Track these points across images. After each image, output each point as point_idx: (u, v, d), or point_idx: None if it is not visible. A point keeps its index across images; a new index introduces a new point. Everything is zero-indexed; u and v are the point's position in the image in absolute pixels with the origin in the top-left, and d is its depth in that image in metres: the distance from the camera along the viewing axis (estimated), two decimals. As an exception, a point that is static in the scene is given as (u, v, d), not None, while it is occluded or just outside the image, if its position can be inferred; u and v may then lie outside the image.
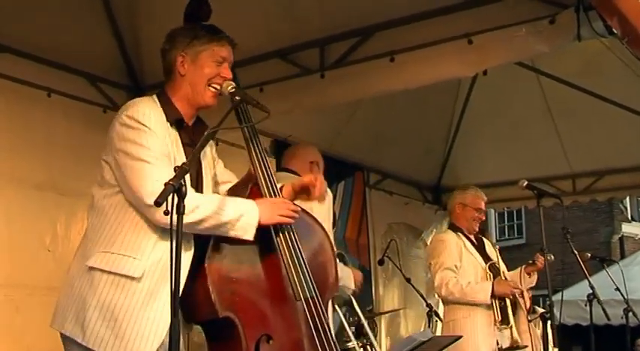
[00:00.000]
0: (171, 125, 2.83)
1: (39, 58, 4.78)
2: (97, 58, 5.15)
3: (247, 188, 2.98)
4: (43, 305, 4.44)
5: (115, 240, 2.70)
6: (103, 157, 2.82)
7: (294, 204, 2.94)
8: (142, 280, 2.66)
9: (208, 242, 2.76)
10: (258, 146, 3.02)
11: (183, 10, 3.11)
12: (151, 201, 2.50)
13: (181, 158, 2.79)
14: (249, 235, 2.75)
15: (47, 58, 4.82)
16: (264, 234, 2.85)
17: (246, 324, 2.73)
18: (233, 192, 3.08)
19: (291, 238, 2.90)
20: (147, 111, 2.78)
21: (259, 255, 2.89)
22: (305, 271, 2.88)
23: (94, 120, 4.99)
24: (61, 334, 2.76)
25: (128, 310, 2.63)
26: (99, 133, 4.51)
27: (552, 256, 4.92)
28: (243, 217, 2.73)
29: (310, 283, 2.88)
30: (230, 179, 3.21)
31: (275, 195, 2.94)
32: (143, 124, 2.72)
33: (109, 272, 2.66)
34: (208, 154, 3.04)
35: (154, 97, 2.91)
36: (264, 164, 2.98)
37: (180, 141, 2.85)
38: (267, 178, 2.95)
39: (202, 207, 2.66)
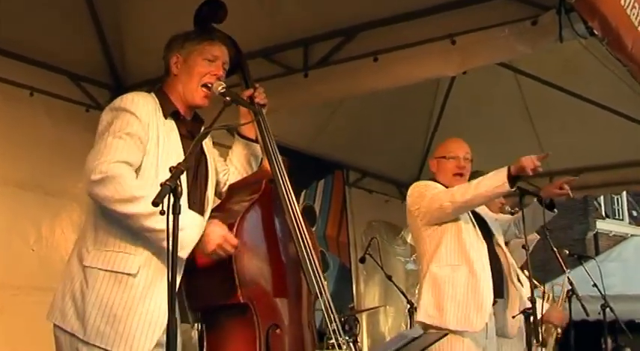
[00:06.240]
0: (166, 117, 2.89)
1: (21, 57, 4.77)
2: (80, 58, 5.15)
3: (260, 183, 3.02)
4: (27, 305, 4.46)
5: (109, 237, 2.73)
6: None
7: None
8: (138, 275, 2.69)
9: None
10: (273, 146, 3.10)
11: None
12: (92, 176, 2.60)
13: (176, 149, 2.85)
14: (183, 252, 2.60)
15: (30, 56, 4.81)
16: (280, 225, 2.97)
17: (260, 312, 2.79)
18: (243, 184, 3.14)
19: (303, 232, 2.97)
20: (136, 99, 2.83)
21: (274, 247, 2.98)
22: (316, 267, 2.95)
23: (77, 119, 5.01)
24: (57, 327, 2.75)
25: (126, 305, 2.66)
26: (81, 132, 4.54)
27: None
28: (183, 232, 2.38)
29: (320, 279, 2.95)
30: (224, 168, 3.24)
31: (290, 192, 3.01)
32: (125, 110, 2.78)
33: (106, 270, 2.69)
34: (210, 147, 3.12)
35: (152, 93, 2.97)
36: (279, 163, 3.07)
37: (177, 132, 2.90)
38: (283, 178, 3.04)
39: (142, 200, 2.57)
